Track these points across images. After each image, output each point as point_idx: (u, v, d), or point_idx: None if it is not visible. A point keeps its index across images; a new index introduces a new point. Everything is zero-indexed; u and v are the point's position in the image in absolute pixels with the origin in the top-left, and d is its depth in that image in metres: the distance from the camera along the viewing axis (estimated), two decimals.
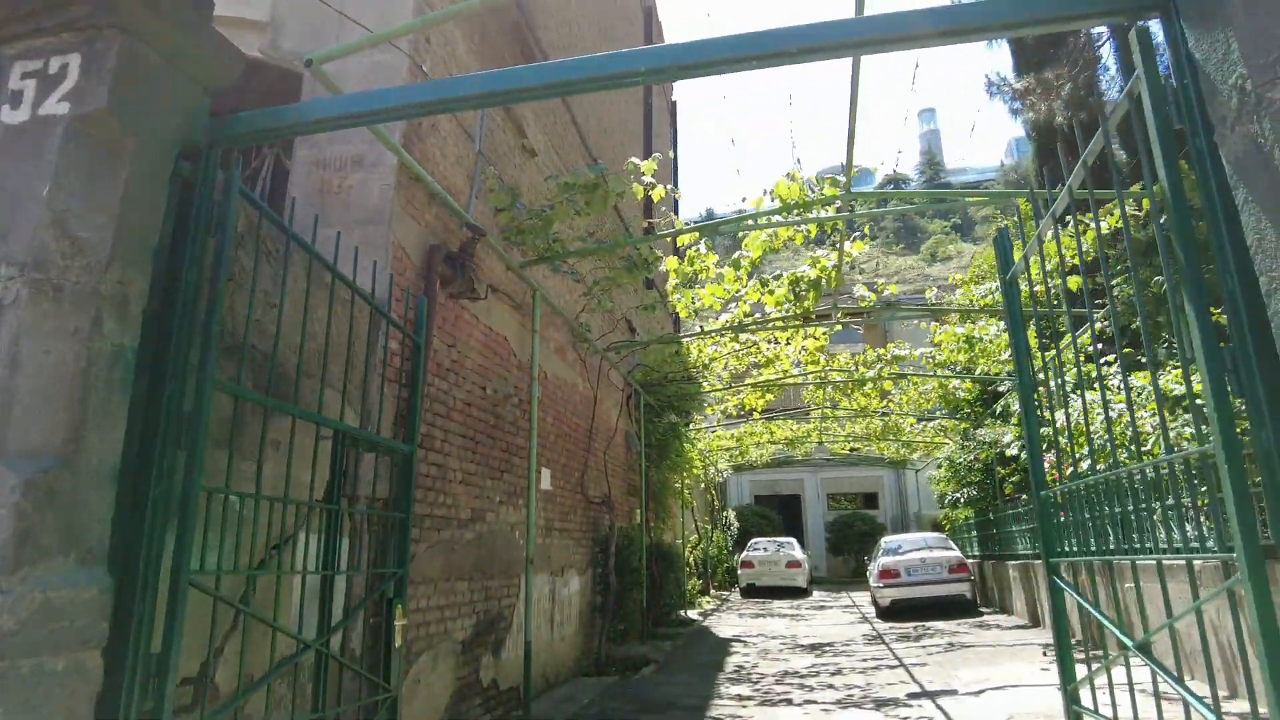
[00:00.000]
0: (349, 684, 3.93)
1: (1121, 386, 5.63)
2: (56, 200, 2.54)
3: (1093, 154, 3.01)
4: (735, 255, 7.82)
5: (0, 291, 2.44)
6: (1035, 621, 11.40)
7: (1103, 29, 12.32)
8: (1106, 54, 12.86)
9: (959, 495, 14.79)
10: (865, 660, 9.31)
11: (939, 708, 6.48)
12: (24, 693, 2.16)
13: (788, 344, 11.21)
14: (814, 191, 6.79)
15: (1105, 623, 3.01)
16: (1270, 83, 2.00)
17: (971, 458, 14.15)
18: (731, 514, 21.84)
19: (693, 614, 14.69)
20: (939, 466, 16.61)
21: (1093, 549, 3.32)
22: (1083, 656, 4.19)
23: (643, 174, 6.05)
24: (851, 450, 20.54)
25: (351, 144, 5.30)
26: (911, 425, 16.82)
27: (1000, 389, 13.29)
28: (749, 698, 7.47)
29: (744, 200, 6.69)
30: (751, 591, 19.25)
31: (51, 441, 2.37)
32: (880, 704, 6.81)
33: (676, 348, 10.94)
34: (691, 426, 15.20)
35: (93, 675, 2.37)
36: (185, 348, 2.80)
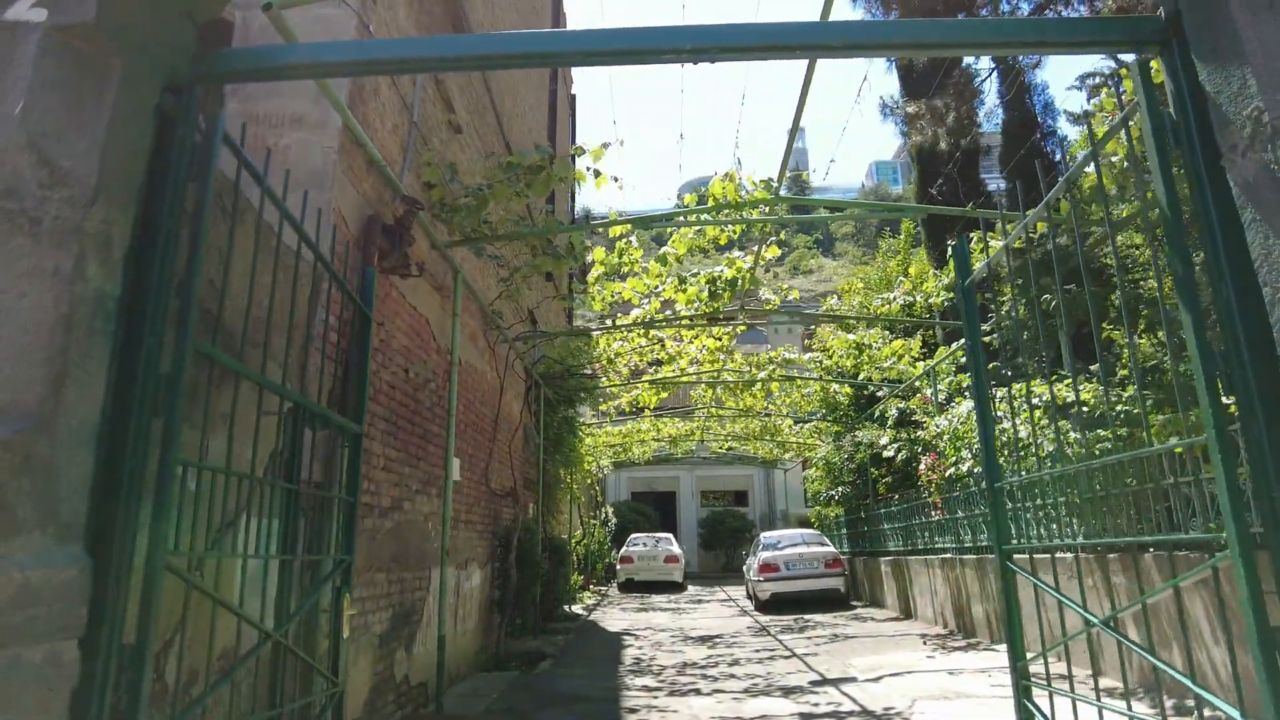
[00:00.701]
0: (288, 677, 3.63)
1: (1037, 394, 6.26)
2: (32, 120, 2.20)
3: (1075, 175, 3.26)
4: (661, 251, 7.87)
5: None
6: (907, 614, 12.17)
7: (984, 66, 13.47)
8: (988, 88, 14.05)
9: (833, 493, 15.57)
10: (758, 651, 9.60)
11: (844, 694, 6.79)
12: None
13: (690, 343, 11.39)
14: (746, 194, 6.95)
15: (1068, 602, 3.26)
16: None
17: (847, 458, 14.93)
18: (610, 510, 21.96)
19: (577, 609, 14.64)
20: (813, 466, 17.43)
21: (1048, 538, 3.57)
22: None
23: (591, 161, 5.97)
24: (728, 449, 21.15)
25: (292, 100, 4.90)
26: (790, 426, 17.54)
27: (878, 394, 14.11)
28: (656, 688, 7.53)
29: (676, 199, 6.72)
30: (630, 586, 19.41)
31: (26, 398, 2.05)
32: (787, 692, 7.05)
33: (585, 340, 10.88)
34: (581, 422, 15.16)
35: (70, 668, 2.07)
36: (164, 302, 2.50)
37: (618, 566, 19.67)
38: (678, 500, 26.89)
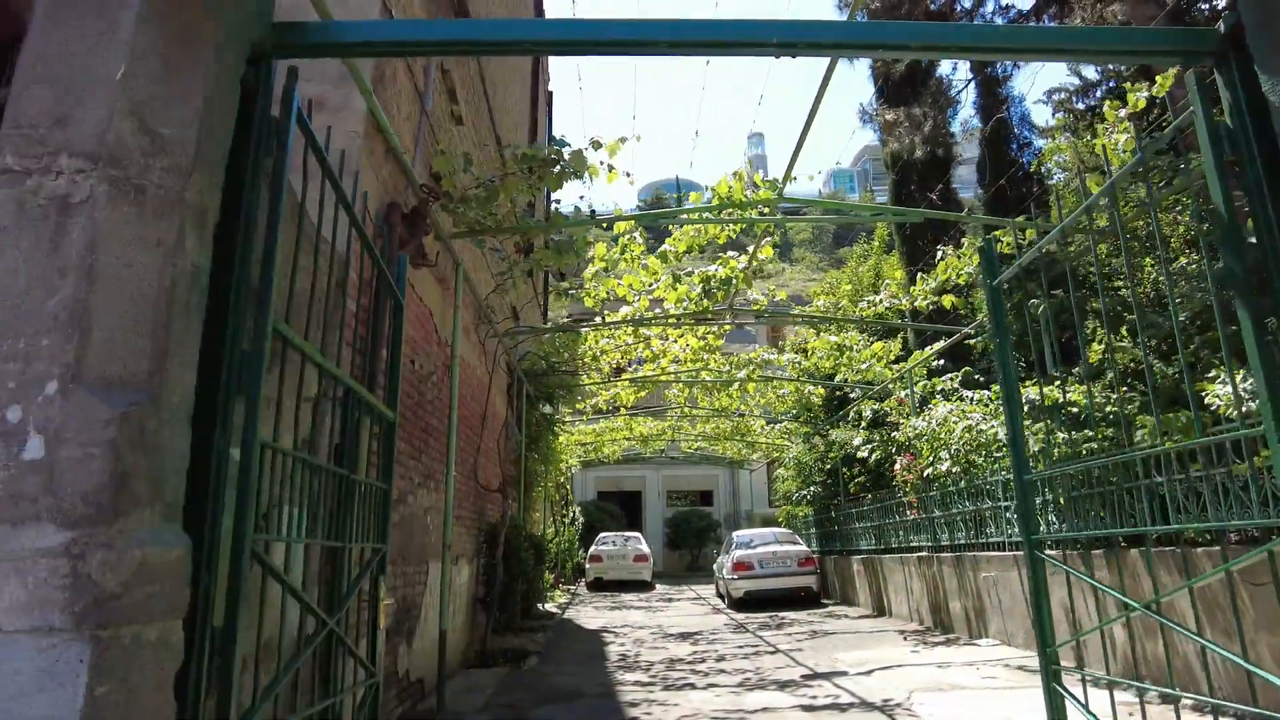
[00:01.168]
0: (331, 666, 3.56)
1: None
2: (133, 86, 2.14)
3: (1118, 181, 3.38)
4: (662, 248, 7.91)
5: (66, 187, 2.02)
6: (881, 611, 12.40)
7: (961, 76, 13.83)
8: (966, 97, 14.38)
9: (805, 493, 15.78)
10: (741, 647, 9.69)
11: (840, 687, 6.90)
12: (124, 668, 1.80)
13: (674, 342, 11.44)
14: (752, 193, 7.03)
15: (1105, 589, 3.37)
16: None
17: (819, 457, 15.17)
18: (577, 509, 21.90)
19: (550, 607, 14.57)
20: (783, 466, 17.66)
21: (1085, 528, 3.68)
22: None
23: (608, 155, 5.97)
24: (697, 449, 21.29)
25: (312, 83, 4.80)
26: (762, 427, 17.72)
27: (851, 396, 14.35)
28: (650, 683, 7.55)
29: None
30: (599, 585, 19.39)
31: (136, 372, 2.00)
32: (782, 685, 7.13)
33: (573, 337, 10.85)
34: (558, 419, 15.10)
35: (176, 649, 2.02)
36: (246, 279, 2.45)
37: (587, 565, 19.64)
38: (644, 499, 26.94)
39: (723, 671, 8.06)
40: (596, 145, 5.96)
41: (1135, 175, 6.28)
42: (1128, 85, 5.65)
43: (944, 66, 14.45)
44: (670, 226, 7.78)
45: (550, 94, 19.26)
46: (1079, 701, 3.47)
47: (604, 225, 7.17)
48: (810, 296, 17.31)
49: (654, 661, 8.85)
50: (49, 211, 1.99)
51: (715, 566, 17.18)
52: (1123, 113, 5.89)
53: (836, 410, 15.24)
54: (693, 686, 7.31)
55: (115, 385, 1.94)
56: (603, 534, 20.97)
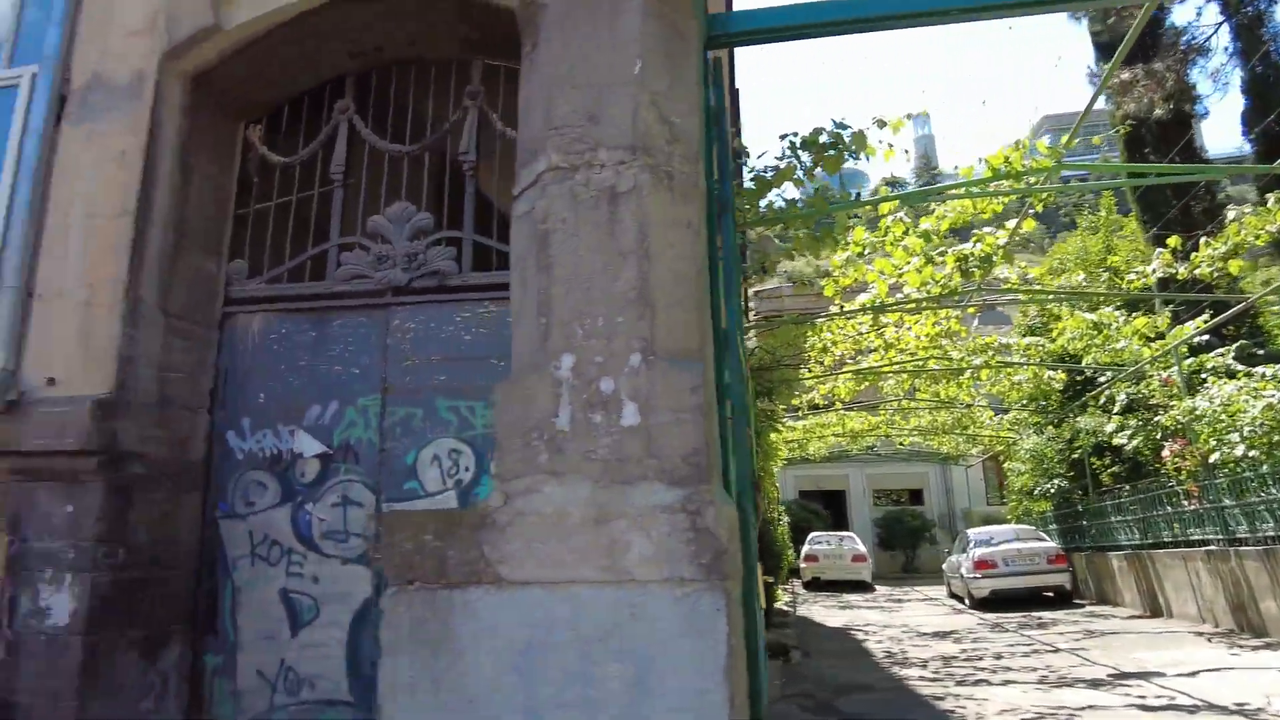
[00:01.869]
0: None
1: None
2: (648, 80, 2.29)
3: None
4: (923, 227, 7.63)
5: (612, 177, 2.19)
6: (1154, 611, 11.27)
7: (1208, 22, 12.37)
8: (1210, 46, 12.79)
9: (1049, 487, 14.70)
10: (1012, 646, 9.15)
11: (1164, 688, 6.31)
12: (735, 618, 1.91)
13: (909, 329, 11.00)
14: (1030, 162, 6.62)
15: None
16: None
17: (1062, 447, 14.11)
18: (781, 508, 21.67)
19: (780, 605, 14.49)
20: (1014, 459, 16.57)
21: None
22: None
23: (891, 133, 5.83)
24: (909, 444, 20.45)
25: None
26: (990, 418, 16.71)
27: (1098, 379, 13.21)
28: (936, 679, 7.28)
29: (955, 168, 6.47)
30: (816, 585, 19.09)
31: (690, 345, 2.13)
32: (1092, 684, 6.64)
33: (802, 329, 10.73)
34: (779, 416, 14.98)
35: (736, 606, 2.11)
36: (715, 259, 2.56)
37: (802, 565, 19.39)
38: (848, 499, 26.16)
39: (1008, 669, 7.63)
40: (881, 124, 5.83)
41: None
42: None
43: (1179, 14, 12.93)
44: (932, 204, 7.50)
45: (736, 91, 19.29)
46: None
47: (869, 206, 7.03)
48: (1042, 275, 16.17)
49: (925, 659, 8.54)
50: (599, 201, 2.17)
51: (945, 566, 16.39)
52: None
53: (1075, 397, 14.09)
54: (987, 683, 6.98)
55: (680, 357, 2.07)
56: (815, 533, 20.62)
